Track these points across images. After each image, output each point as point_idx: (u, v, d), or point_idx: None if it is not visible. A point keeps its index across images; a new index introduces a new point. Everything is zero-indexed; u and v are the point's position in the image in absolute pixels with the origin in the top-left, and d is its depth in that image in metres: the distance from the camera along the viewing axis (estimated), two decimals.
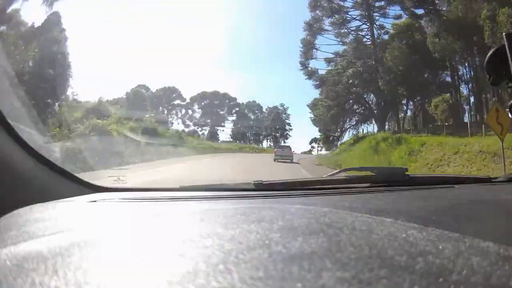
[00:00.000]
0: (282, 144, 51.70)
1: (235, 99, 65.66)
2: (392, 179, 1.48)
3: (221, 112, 65.46)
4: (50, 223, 0.87)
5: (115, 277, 0.31)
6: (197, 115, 63.78)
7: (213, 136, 59.24)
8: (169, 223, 0.49)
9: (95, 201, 1.12)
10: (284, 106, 70.98)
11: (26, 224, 0.85)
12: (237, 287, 0.29)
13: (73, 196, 1.16)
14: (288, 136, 69.73)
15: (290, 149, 22.41)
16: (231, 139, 60.48)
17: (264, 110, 68.22)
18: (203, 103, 64.02)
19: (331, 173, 1.56)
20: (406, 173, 1.52)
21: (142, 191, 1.37)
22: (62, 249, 0.40)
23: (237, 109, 64.69)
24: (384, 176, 1.55)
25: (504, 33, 0.90)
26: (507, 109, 1.45)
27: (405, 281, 0.30)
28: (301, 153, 60.43)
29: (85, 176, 1.33)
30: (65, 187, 1.19)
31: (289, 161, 18.76)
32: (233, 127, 64.76)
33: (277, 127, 67.31)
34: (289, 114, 71.55)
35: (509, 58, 0.88)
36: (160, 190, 1.36)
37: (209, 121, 63.47)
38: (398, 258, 0.35)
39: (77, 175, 1.26)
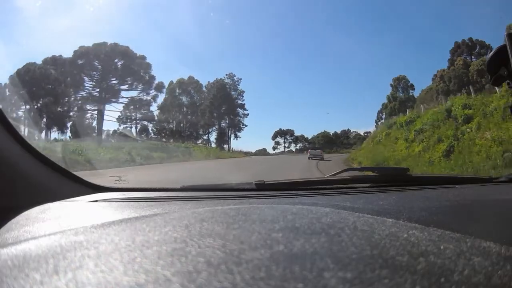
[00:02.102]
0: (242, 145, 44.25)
1: (142, 57, 35.40)
2: (393, 179, 1.48)
3: (111, 82, 34.45)
4: (51, 223, 0.87)
5: (116, 277, 0.31)
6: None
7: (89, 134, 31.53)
8: (170, 223, 0.49)
9: (96, 201, 1.13)
10: (235, 78, 44.78)
11: (27, 223, 0.85)
12: (239, 287, 0.29)
13: (74, 196, 1.16)
14: (241, 127, 45.43)
15: (321, 150, 29.16)
16: (155, 136, 37.77)
17: (204, 88, 43.43)
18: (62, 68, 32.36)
19: (333, 173, 1.56)
20: (408, 173, 1.52)
21: (143, 191, 1.37)
22: (63, 248, 0.40)
23: (146, 76, 35.56)
24: (386, 176, 1.55)
25: (505, 33, 0.90)
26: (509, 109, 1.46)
27: (406, 281, 0.30)
28: (256, 151, 49.32)
29: None
30: (66, 187, 1.19)
31: (319, 159, 23.87)
32: (157, 117, 39.47)
33: (223, 109, 43.10)
34: (243, 91, 45.49)
35: (510, 58, 0.88)
36: (161, 190, 1.36)
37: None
38: (399, 258, 0.35)
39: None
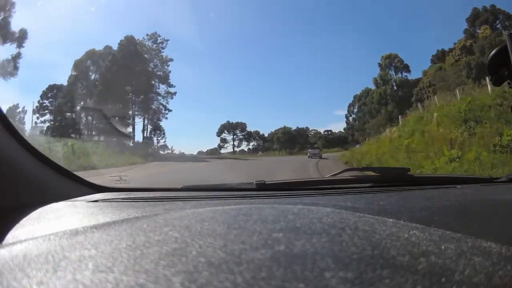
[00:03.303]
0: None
1: None
2: (394, 179, 1.49)
3: None
4: (51, 223, 0.87)
5: (116, 277, 0.31)
6: None
7: None
8: (170, 223, 0.49)
9: (96, 201, 1.13)
10: (159, 40, 30.78)
11: (27, 223, 0.85)
12: (240, 287, 0.29)
13: (75, 196, 1.16)
14: (164, 113, 30.94)
15: (319, 150, 29.68)
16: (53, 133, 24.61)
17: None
18: None
19: (333, 173, 1.56)
20: (409, 173, 1.52)
21: (144, 191, 1.37)
22: (63, 249, 0.40)
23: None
24: (387, 176, 1.55)
25: (506, 33, 0.90)
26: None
27: (407, 281, 0.30)
28: (207, 151, 39.31)
29: None
30: (66, 187, 1.19)
31: (318, 157, 24.84)
32: (57, 103, 27.90)
33: (133, 83, 27.67)
34: (171, 59, 31.27)
35: (511, 58, 0.88)
36: (162, 190, 1.36)
37: None
38: (400, 258, 0.35)
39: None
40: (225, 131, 43.27)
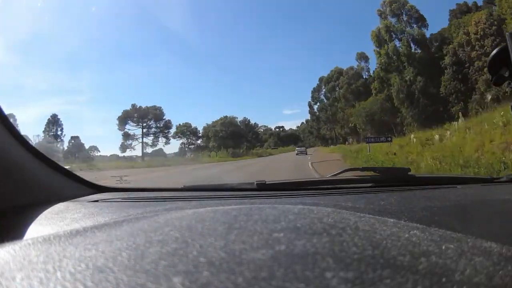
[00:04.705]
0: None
1: None
2: (395, 179, 1.49)
3: None
4: (52, 223, 0.87)
5: (116, 277, 0.31)
6: None
7: None
8: (171, 223, 0.49)
9: (96, 201, 1.13)
10: None
11: (28, 224, 0.85)
12: (240, 287, 0.29)
13: (75, 196, 1.16)
14: None
15: (305, 148, 32.89)
16: None
17: None
18: None
19: (334, 173, 1.56)
20: (409, 173, 1.52)
21: (144, 191, 1.38)
22: (63, 249, 0.40)
23: None
24: (387, 176, 1.55)
25: (507, 33, 0.90)
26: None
27: (408, 281, 0.30)
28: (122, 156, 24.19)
29: None
30: (67, 187, 1.19)
31: (304, 154, 27.59)
32: None
33: None
34: None
35: None
36: (163, 190, 1.37)
37: None
38: (401, 258, 0.35)
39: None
40: (130, 122, 27.54)
